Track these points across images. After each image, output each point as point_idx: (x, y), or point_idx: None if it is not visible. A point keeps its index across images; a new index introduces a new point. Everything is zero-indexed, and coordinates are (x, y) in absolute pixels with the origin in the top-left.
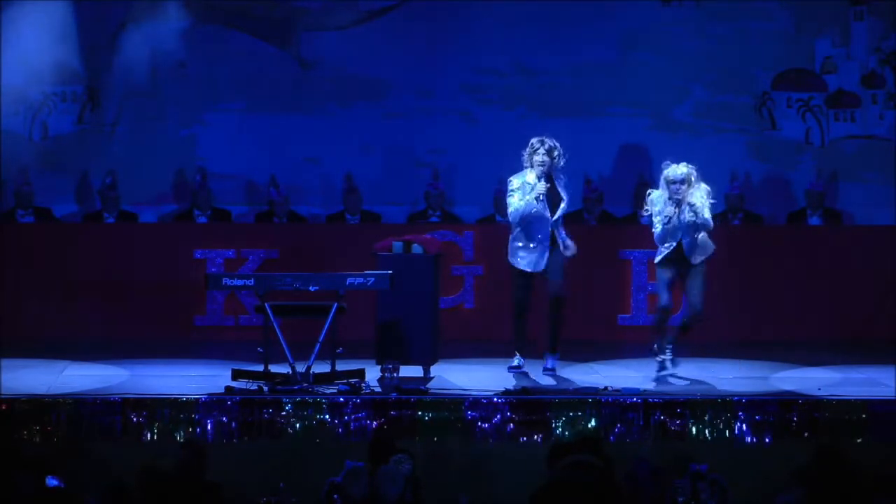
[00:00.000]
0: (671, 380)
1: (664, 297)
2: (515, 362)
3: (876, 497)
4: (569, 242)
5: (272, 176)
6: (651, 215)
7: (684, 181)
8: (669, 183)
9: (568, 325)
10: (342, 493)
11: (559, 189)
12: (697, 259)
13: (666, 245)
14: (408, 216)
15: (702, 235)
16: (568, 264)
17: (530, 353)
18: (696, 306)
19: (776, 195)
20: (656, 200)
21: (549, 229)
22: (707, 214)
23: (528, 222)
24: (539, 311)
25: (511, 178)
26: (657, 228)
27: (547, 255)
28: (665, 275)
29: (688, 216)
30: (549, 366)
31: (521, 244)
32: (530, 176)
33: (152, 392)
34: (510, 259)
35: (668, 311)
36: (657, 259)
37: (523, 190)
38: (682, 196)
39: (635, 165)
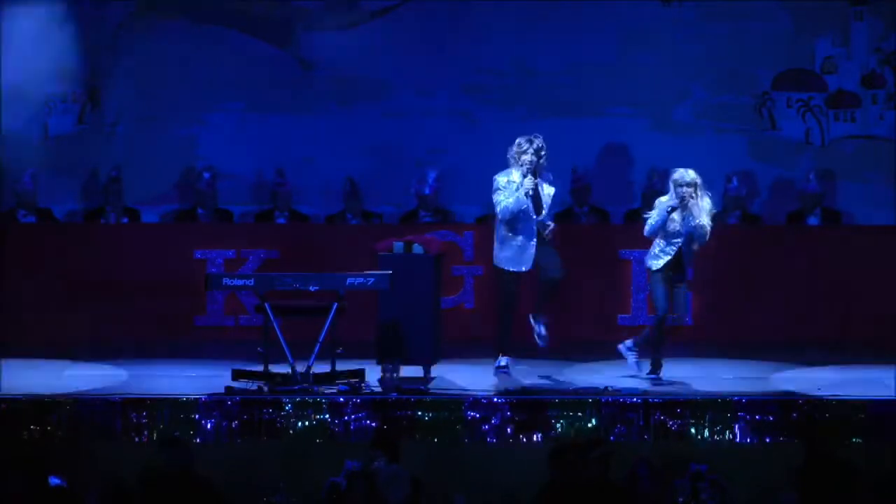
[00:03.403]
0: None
1: (663, 305)
2: (503, 362)
3: (876, 497)
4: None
5: (278, 169)
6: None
7: (692, 184)
8: (677, 186)
9: (568, 325)
10: (343, 493)
11: (542, 187)
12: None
13: (666, 251)
14: (399, 217)
15: (696, 247)
16: (562, 258)
17: (514, 353)
18: (682, 312)
19: (776, 195)
20: (661, 201)
21: (534, 227)
22: (706, 222)
23: (515, 220)
24: (525, 313)
25: (496, 177)
26: (652, 219)
27: (534, 251)
28: (663, 282)
29: (692, 220)
30: (541, 332)
31: (507, 244)
32: (515, 175)
33: (152, 392)
34: (496, 262)
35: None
36: (655, 266)
37: (509, 188)
38: (689, 197)
39: (635, 166)
